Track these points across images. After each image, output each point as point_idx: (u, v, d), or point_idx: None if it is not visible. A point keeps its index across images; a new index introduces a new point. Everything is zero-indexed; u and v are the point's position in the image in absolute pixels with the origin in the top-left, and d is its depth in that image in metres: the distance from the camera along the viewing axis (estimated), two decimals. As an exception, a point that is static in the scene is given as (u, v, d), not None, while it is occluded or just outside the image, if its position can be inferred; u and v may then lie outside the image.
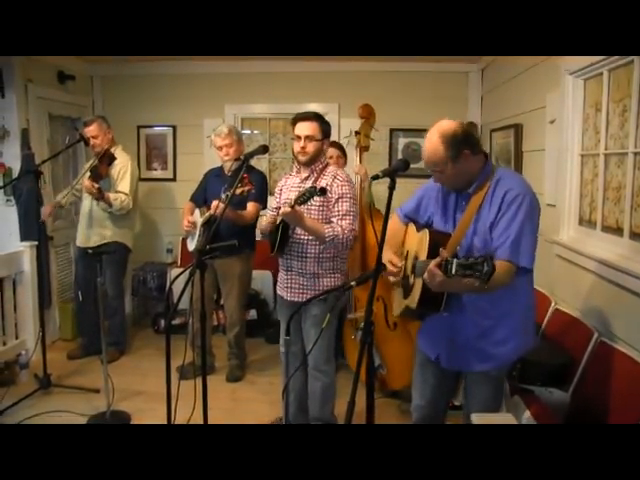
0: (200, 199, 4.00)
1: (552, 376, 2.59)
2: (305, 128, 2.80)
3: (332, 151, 3.94)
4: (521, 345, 2.19)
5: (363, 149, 3.88)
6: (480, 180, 2.08)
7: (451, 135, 2.01)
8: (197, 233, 3.79)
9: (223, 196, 3.39)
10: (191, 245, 3.92)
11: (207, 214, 3.67)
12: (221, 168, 3.96)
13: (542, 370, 2.57)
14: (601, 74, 2.80)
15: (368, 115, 3.93)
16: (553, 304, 3.11)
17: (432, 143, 2.02)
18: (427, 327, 2.34)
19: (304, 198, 2.52)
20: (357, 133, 3.92)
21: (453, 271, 1.70)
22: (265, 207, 3.83)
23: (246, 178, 3.15)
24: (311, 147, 2.80)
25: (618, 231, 2.68)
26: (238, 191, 3.05)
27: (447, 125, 2.04)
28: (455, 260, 1.70)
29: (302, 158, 2.83)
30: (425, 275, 1.89)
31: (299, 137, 2.80)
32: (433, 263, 1.83)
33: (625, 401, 2.20)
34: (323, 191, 2.52)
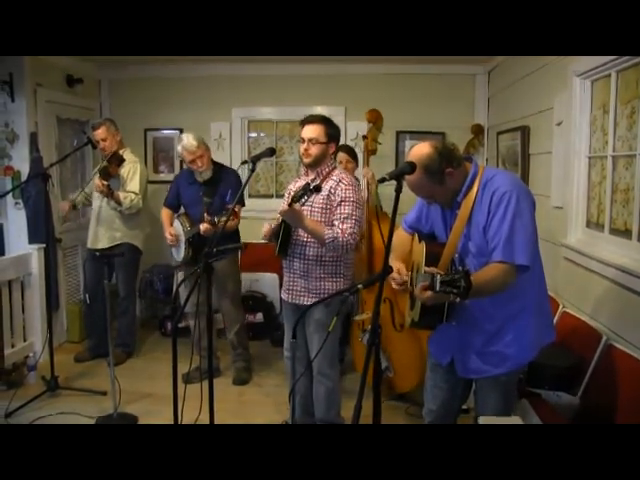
0: (174, 203, 4.02)
1: (560, 380, 2.57)
2: (309, 131, 2.81)
3: (341, 155, 3.94)
4: (535, 343, 2.15)
5: (370, 152, 3.91)
6: (467, 185, 2.07)
7: (429, 162, 1.99)
8: (182, 246, 3.79)
9: (209, 217, 3.43)
10: (178, 257, 3.92)
11: (191, 231, 3.68)
12: (191, 174, 3.90)
13: (550, 374, 2.56)
14: (609, 76, 2.78)
15: (375, 120, 3.96)
16: (561, 307, 3.09)
17: (414, 176, 1.96)
18: (437, 335, 2.33)
19: (299, 196, 2.52)
20: (365, 137, 3.95)
21: (437, 288, 1.70)
22: (244, 205, 3.85)
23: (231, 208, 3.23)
24: (314, 150, 2.80)
25: (626, 233, 2.66)
26: (223, 219, 3.12)
27: (422, 152, 2.01)
28: (438, 277, 1.70)
29: (306, 160, 2.84)
30: (416, 291, 1.90)
31: (303, 140, 2.82)
32: (422, 280, 1.83)
33: (635, 405, 2.18)
34: (317, 189, 2.52)
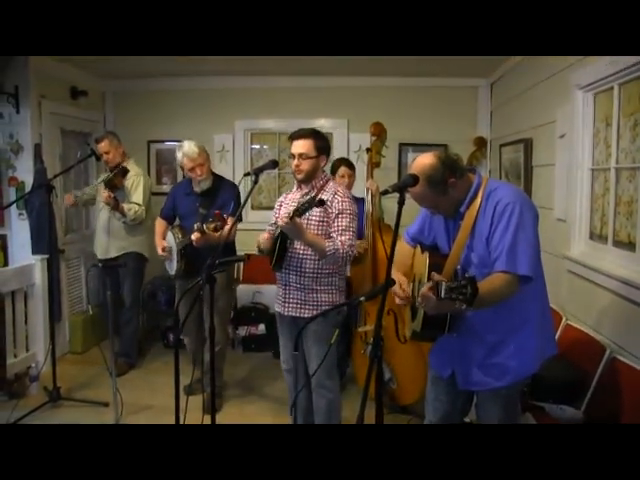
0: (170, 215, 3.92)
1: (564, 393, 2.56)
2: (298, 146, 2.79)
3: (343, 170, 3.95)
4: (537, 356, 2.14)
5: (374, 165, 3.94)
6: (471, 196, 2.08)
7: (432, 172, 2.01)
8: (175, 258, 3.69)
9: (198, 225, 3.37)
10: (171, 270, 3.81)
11: (183, 241, 3.59)
12: (189, 185, 3.81)
13: (554, 387, 2.54)
14: (611, 88, 2.79)
15: (379, 133, 4.00)
16: (564, 320, 3.08)
17: (417, 186, 1.97)
18: (438, 347, 2.32)
19: (303, 209, 2.49)
20: (369, 150, 3.97)
21: (442, 294, 1.70)
22: (240, 220, 3.65)
23: (218, 214, 3.20)
24: (305, 165, 2.78)
25: (630, 246, 2.66)
26: (211, 226, 3.17)
27: (426, 162, 2.03)
28: (444, 283, 1.70)
29: (298, 177, 2.83)
30: (419, 299, 1.90)
31: (293, 155, 2.81)
32: (426, 287, 1.84)
33: (639, 418, 2.17)
34: (322, 202, 2.49)
